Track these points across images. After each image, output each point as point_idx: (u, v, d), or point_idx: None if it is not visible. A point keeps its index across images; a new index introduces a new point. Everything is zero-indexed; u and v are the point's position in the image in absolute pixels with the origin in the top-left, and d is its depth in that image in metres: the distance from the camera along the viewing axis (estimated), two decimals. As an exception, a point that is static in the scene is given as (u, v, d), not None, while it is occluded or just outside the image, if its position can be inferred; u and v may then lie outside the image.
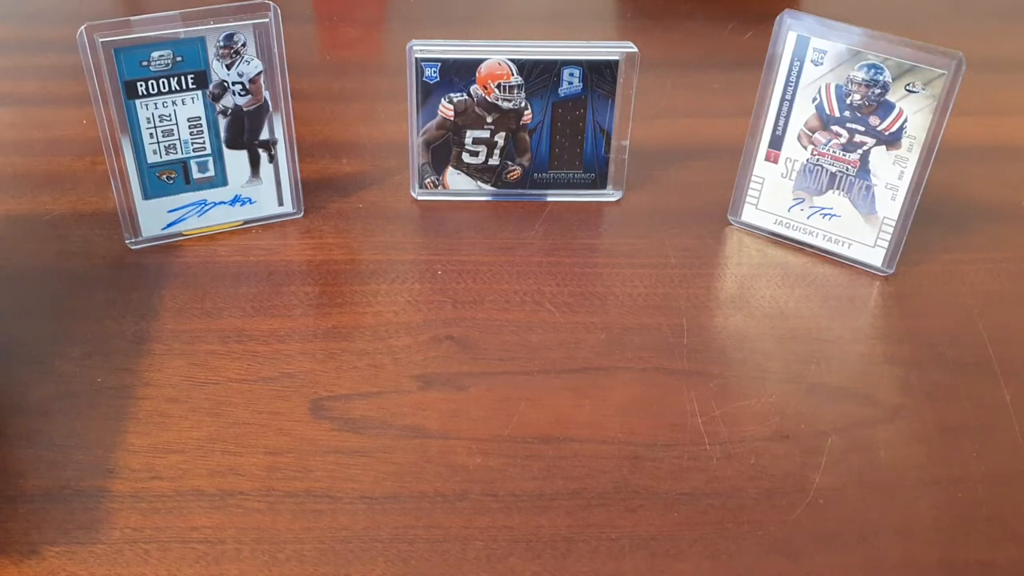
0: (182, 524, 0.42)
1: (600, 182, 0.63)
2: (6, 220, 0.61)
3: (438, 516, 0.43)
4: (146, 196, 0.57)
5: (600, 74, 0.59)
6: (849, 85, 0.55)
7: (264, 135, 0.58)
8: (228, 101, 0.56)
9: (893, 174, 0.55)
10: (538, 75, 0.59)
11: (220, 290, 0.55)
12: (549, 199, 0.63)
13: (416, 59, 0.58)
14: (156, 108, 0.55)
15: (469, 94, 0.60)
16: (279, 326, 0.53)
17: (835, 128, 0.56)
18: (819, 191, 0.58)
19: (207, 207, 0.59)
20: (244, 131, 0.58)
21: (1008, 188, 0.66)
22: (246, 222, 0.60)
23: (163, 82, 0.54)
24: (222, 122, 0.57)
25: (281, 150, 0.59)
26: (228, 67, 0.55)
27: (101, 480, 0.44)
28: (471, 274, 0.57)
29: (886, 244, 0.57)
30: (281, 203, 0.60)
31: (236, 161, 0.58)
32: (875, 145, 0.55)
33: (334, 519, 0.43)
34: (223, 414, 0.48)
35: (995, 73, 0.79)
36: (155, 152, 0.56)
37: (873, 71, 0.54)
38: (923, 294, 0.56)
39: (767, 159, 0.59)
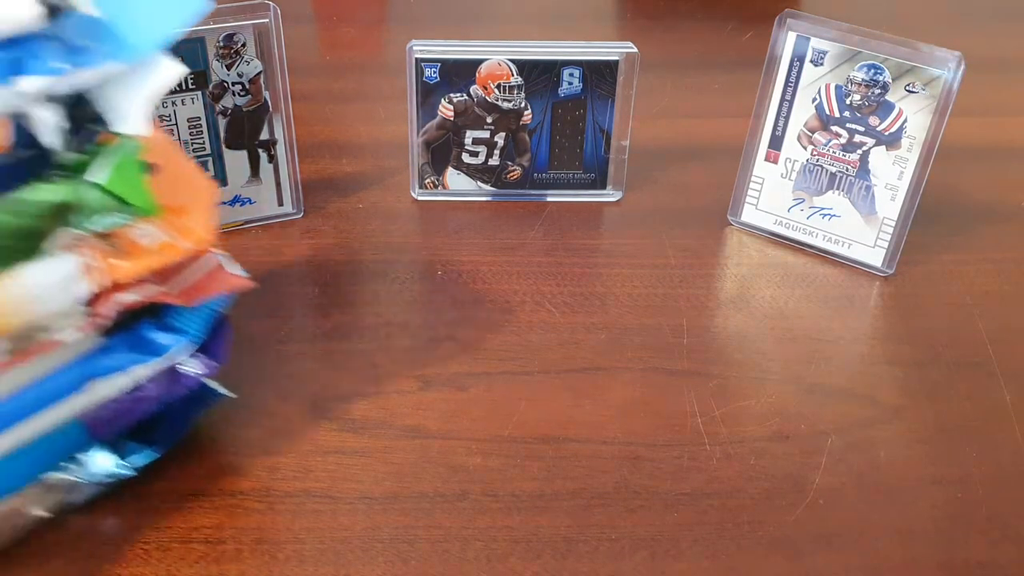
0: (182, 524, 0.42)
1: (600, 182, 0.63)
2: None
3: (438, 516, 0.43)
4: (146, 196, 0.57)
5: (600, 74, 0.59)
6: (849, 85, 0.55)
7: (264, 135, 0.58)
8: (228, 101, 0.56)
9: (893, 174, 0.55)
10: (538, 75, 0.59)
11: (220, 290, 0.55)
12: (549, 199, 0.63)
13: (416, 59, 0.58)
14: (155, 108, 0.55)
15: (469, 94, 0.60)
16: (279, 326, 0.53)
17: (835, 128, 0.56)
18: (819, 191, 0.58)
19: (207, 207, 0.59)
20: (244, 131, 0.58)
21: (1008, 188, 0.66)
22: (246, 222, 0.60)
23: (163, 82, 0.54)
24: (222, 122, 0.57)
25: (281, 150, 0.59)
26: (228, 67, 0.55)
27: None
28: (471, 274, 0.57)
29: (886, 244, 0.57)
30: (281, 203, 0.61)
31: (236, 161, 0.58)
32: (875, 145, 0.55)
33: (334, 519, 0.43)
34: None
35: (995, 73, 0.79)
36: (155, 152, 0.56)
37: (873, 71, 0.54)
38: (923, 294, 0.56)
39: (767, 159, 0.59)
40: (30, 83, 0.31)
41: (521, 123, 0.61)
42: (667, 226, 0.61)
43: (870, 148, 0.55)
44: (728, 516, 0.44)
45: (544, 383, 0.50)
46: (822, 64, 0.55)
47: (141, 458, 0.42)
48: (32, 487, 0.39)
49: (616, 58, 0.59)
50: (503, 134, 0.61)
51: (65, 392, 0.37)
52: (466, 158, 0.62)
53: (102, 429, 0.39)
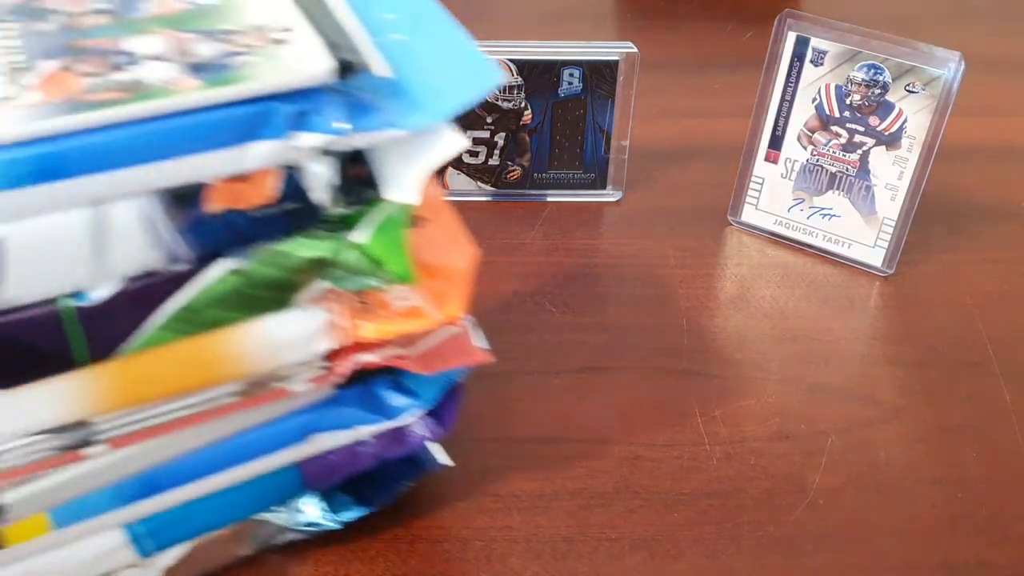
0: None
1: (600, 182, 0.63)
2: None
3: (438, 516, 0.43)
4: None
5: (600, 74, 0.59)
6: (849, 85, 0.55)
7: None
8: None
9: (893, 174, 0.55)
10: (538, 75, 0.59)
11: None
12: (549, 199, 0.63)
13: (416, 59, 0.58)
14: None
15: (469, 94, 0.60)
16: (279, 326, 0.53)
17: (835, 128, 0.56)
18: (819, 191, 0.58)
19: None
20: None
21: (1008, 188, 0.66)
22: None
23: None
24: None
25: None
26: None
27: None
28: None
29: (886, 244, 0.57)
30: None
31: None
32: (875, 145, 0.55)
33: (334, 519, 0.43)
34: (223, 414, 0.48)
35: (995, 73, 0.79)
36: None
37: (873, 71, 0.54)
38: (923, 294, 0.56)
39: (767, 159, 0.59)
40: (309, 139, 0.30)
41: (521, 123, 0.61)
42: (667, 226, 0.61)
43: (870, 148, 0.55)
44: (728, 516, 0.44)
45: (544, 383, 0.50)
46: (822, 64, 0.55)
47: (350, 513, 0.41)
48: (241, 524, 0.39)
49: (616, 58, 0.59)
50: (503, 134, 0.61)
51: (288, 441, 0.37)
52: (466, 158, 0.62)
53: (317, 479, 0.39)
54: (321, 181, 0.32)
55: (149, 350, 0.32)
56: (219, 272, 0.32)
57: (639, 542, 0.42)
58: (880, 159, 0.55)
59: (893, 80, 0.53)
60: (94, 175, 0.28)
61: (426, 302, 0.35)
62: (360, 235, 0.33)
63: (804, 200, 0.58)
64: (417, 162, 0.33)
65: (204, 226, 0.31)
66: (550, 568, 0.41)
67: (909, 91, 0.53)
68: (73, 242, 0.29)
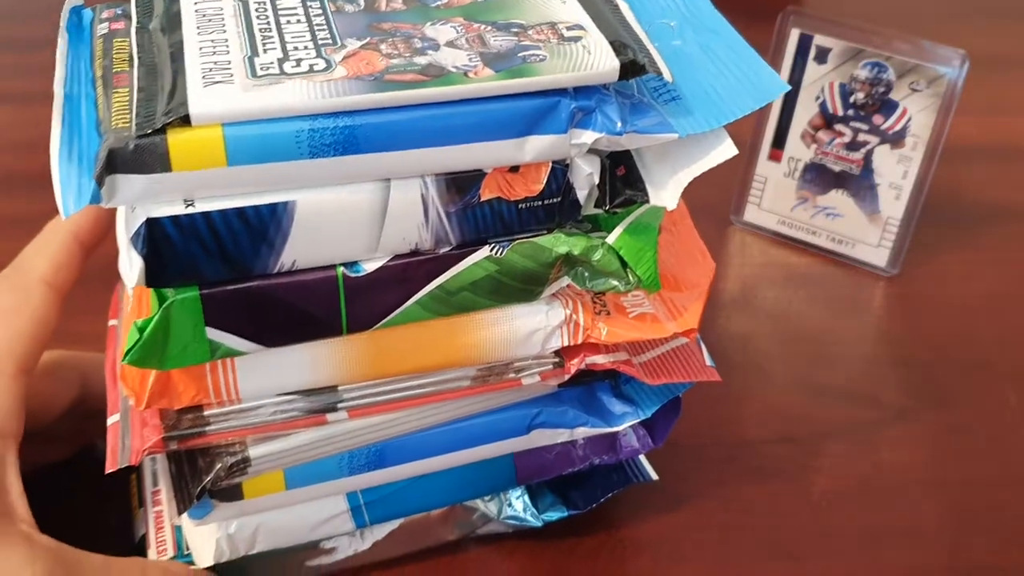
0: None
1: (602, 182, 0.63)
2: (6, 222, 0.61)
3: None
4: (145, 196, 0.57)
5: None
6: (852, 83, 0.54)
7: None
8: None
9: (897, 173, 0.55)
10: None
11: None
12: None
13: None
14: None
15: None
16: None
17: (839, 127, 0.56)
18: (822, 190, 0.57)
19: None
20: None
21: (1014, 188, 0.65)
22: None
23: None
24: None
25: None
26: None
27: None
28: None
29: (890, 244, 0.56)
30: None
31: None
32: (879, 144, 0.55)
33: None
34: (220, 416, 0.47)
35: (1000, 72, 0.79)
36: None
37: (876, 69, 0.53)
38: (928, 295, 0.56)
39: (770, 158, 0.58)
40: (587, 137, 0.31)
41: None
42: (669, 226, 0.61)
43: (874, 147, 0.55)
44: (730, 519, 0.43)
45: (545, 384, 0.49)
46: (826, 62, 0.54)
47: (554, 514, 0.41)
48: (451, 508, 0.40)
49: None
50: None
51: (513, 431, 0.37)
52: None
53: (528, 474, 0.39)
54: (586, 179, 0.32)
55: (400, 325, 0.33)
56: (478, 257, 0.32)
57: (640, 545, 0.42)
58: (884, 158, 0.55)
59: (897, 78, 0.53)
60: (386, 153, 0.29)
61: (661, 311, 0.36)
62: (612, 235, 0.33)
63: (808, 199, 0.58)
64: (682, 168, 0.33)
65: (472, 212, 0.32)
66: (550, 570, 0.41)
67: (913, 89, 0.53)
68: (355, 215, 0.30)
